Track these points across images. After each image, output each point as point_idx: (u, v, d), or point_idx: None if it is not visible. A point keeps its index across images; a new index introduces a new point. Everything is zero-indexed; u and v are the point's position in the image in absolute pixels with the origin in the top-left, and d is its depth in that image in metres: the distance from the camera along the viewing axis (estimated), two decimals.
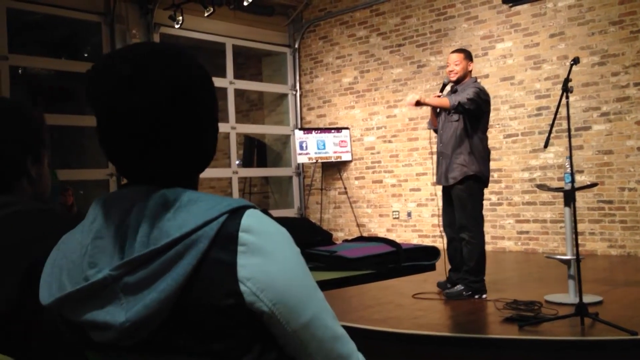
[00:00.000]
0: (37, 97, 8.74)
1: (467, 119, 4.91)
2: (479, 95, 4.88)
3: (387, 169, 9.18)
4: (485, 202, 5.22)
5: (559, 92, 4.30)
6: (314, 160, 9.49)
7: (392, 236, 8.62)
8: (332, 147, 9.46)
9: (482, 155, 4.95)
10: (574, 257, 4.23)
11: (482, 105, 4.90)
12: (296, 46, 10.21)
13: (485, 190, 5.12)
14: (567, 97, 4.12)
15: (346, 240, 2.21)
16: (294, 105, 10.26)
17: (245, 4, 8.54)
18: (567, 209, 4.53)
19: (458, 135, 4.95)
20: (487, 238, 5.79)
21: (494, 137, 7.72)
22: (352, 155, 9.55)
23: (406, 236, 8.85)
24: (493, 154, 6.16)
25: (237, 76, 9.74)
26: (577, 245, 4.07)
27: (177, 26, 8.43)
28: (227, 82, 9.43)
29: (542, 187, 5.34)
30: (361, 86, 9.47)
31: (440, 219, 5.25)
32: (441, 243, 5.25)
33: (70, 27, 8.56)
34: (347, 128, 9.58)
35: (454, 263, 5.11)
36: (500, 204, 7.96)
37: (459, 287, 4.94)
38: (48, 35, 8.75)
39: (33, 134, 1.43)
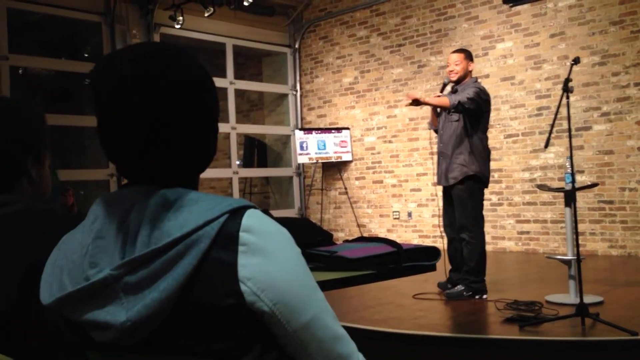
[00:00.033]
0: (37, 97, 8.73)
1: (467, 118, 4.91)
2: (479, 95, 4.88)
3: (387, 169, 9.17)
4: (485, 202, 5.21)
5: (559, 92, 4.30)
6: (315, 161, 9.49)
7: (392, 236, 8.62)
8: (332, 147, 9.45)
9: (482, 155, 4.95)
10: (575, 257, 4.22)
11: (482, 105, 4.90)
12: (296, 46, 10.21)
13: (486, 191, 5.12)
14: (568, 97, 4.12)
15: (347, 241, 2.20)
16: (295, 105, 10.27)
17: (245, 4, 8.55)
18: (567, 209, 4.53)
19: (458, 135, 4.95)
20: (488, 238, 5.79)
21: (495, 137, 7.72)
22: (352, 155, 9.55)
23: (406, 236, 8.85)
24: (493, 154, 6.16)
25: (237, 76, 9.74)
26: (577, 245, 4.07)
27: (177, 26, 8.43)
28: (228, 82, 9.43)
29: (543, 187, 5.33)
30: (361, 86, 9.47)
31: (441, 219, 5.25)
32: (441, 243, 5.24)
33: (70, 27, 8.56)
34: (347, 128, 9.58)
35: (455, 263, 5.10)
36: (500, 204, 7.95)
37: (460, 287, 4.94)
38: (48, 35, 8.76)
39: (34, 134, 1.43)
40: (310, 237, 2.11)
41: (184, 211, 0.94)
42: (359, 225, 9.40)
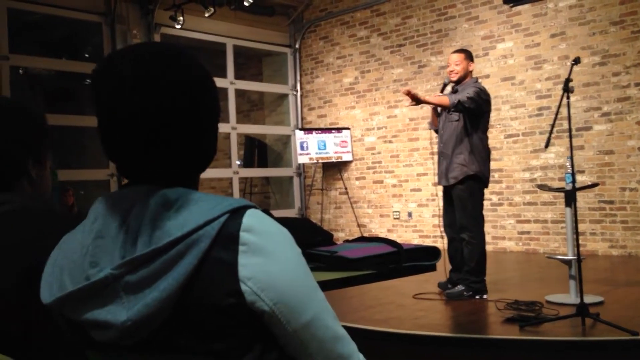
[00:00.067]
0: (37, 97, 8.74)
1: (467, 118, 4.91)
2: (480, 94, 4.88)
3: (387, 169, 9.17)
4: (486, 203, 5.21)
5: (559, 92, 4.30)
6: (315, 161, 9.49)
7: (392, 236, 8.62)
8: (332, 147, 9.45)
9: (483, 155, 4.95)
10: (575, 257, 4.22)
11: (482, 104, 4.90)
12: (297, 46, 10.21)
13: (486, 191, 5.12)
14: (568, 97, 4.12)
15: (347, 241, 2.20)
16: (295, 105, 10.27)
17: (245, 4, 8.55)
18: (568, 209, 4.53)
19: (458, 134, 4.95)
20: (488, 238, 5.79)
21: (495, 137, 7.72)
22: (352, 155, 9.55)
23: (407, 236, 8.84)
24: (494, 154, 6.16)
25: (237, 76, 9.75)
26: (578, 245, 4.07)
27: (177, 26, 8.43)
28: (228, 83, 9.43)
29: (543, 187, 5.33)
30: (362, 86, 9.47)
31: (441, 219, 5.24)
32: (442, 243, 5.24)
33: (71, 27, 8.56)
34: (347, 128, 9.58)
35: (455, 263, 5.10)
36: (501, 204, 7.95)
37: (460, 287, 4.94)
38: (49, 35, 8.76)
39: (35, 134, 1.43)
40: (311, 237, 2.11)
41: (185, 211, 0.94)
42: (359, 225, 9.40)
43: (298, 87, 10.24)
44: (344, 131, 9.54)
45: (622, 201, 7.03)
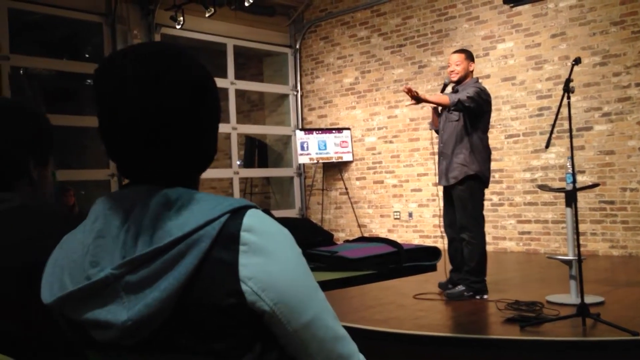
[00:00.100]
0: (37, 97, 8.74)
1: (467, 118, 4.91)
2: (480, 94, 4.88)
3: (388, 169, 9.17)
4: (486, 203, 5.21)
5: (560, 92, 4.30)
6: (315, 161, 9.49)
7: (393, 237, 8.62)
8: (333, 147, 9.46)
9: (483, 154, 4.95)
10: (576, 257, 4.22)
11: (482, 104, 4.90)
12: (297, 46, 10.22)
13: (487, 191, 5.12)
14: (569, 98, 4.12)
15: (347, 241, 2.21)
16: (295, 105, 10.27)
17: (246, 4, 8.54)
18: (568, 210, 4.52)
19: (458, 134, 4.95)
20: (489, 238, 5.79)
21: (495, 137, 7.72)
22: (353, 155, 9.55)
23: (407, 237, 8.84)
24: (494, 155, 6.16)
25: (238, 76, 9.75)
26: (578, 245, 4.07)
27: (178, 27, 8.43)
28: (228, 83, 9.44)
29: (544, 187, 5.33)
30: (362, 86, 9.47)
31: (441, 219, 5.24)
32: (442, 243, 5.24)
33: (71, 28, 8.56)
34: (348, 128, 9.58)
35: (455, 263, 5.10)
36: (501, 205, 7.95)
37: (460, 287, 4.93)
38: (49, 35, 8.76)
39: (37, 136, 1.43)
40: (311, 237, 2.11)
41: (185, 211, 0.94)
42: (359, 226, 9.40)
43: (298, 88, 10.24)
44: (344, 131, 9.54)
45: (622, 201, 7.02)
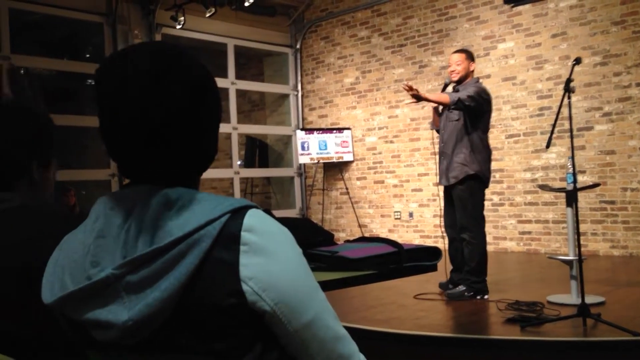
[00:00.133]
0: (37, 97, 8.74)
1: (467, 117, 4.91)
2: (480, 94, 4.88)
3: (388, 169, 9.17)
4: (487, 203, 5.21)
5: (561, 92, 4.30)
6: (316, 161, 9.49)
7: (393, 237, 8.62)
8: (333, 147, 9.46)
9: (483, 154, 4.95)
10: (576, 257, 4.22)
11: (482, 104, 4.89)
12: (298, 46, 10.22)
13: (487, 191, 5.12)
14: (569, 97, 4.12)
15: (348, 241, 2.21)
16: (296, 105, 10.27)
17: (246, 4, 8.55)
18: (569, 210, 4.52)
19: (458, 133, 4.96)
20: (489, 238, 5.78)
21: (496, 137, 7.72)
22: (353, 155, 9.55)
23: (408, 237, 8.84)
24: (495, 154, 6.16)
25: (238, 76, 9.75)
26: (579, 245, 4.06)
27: (178, 27, 8.43)
28: (229, 83, 9.44)
29: (544, 187, 5.33)
30: (363, 86, 9.47)
31: (442, 219, 5.24)
32: (443, 243, 5.24)
33: (72, 28, 8.57)
34: (348, 128, 9.58)
35: (456, 263, 5.10)
36: (502, 205, 7.95)
37: (461, 287, 4.93)
38: (50, 35, 8.76)
39: (40, 137, 1.43)
40: (312, 237, 2.11)
41: (186, 211, 0.94)
42: (360, 226, 9.40)
43: (299, 87, 10.24)
44: (345, 131, 9.54)
45: (623, 201, 7.02)
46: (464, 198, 4.93)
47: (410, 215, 8.90)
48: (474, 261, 4.87)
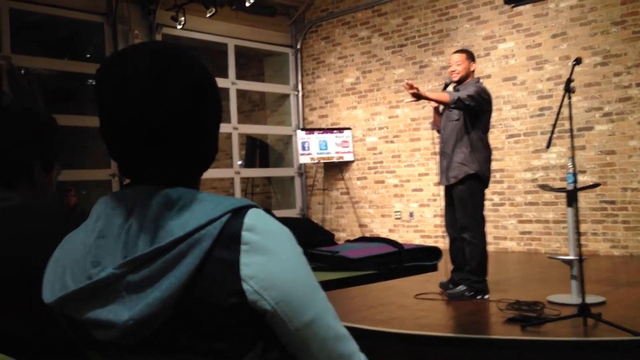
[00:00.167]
0: (36, 98, 8.74)
1: (467, 117, 4.91)
2: (480, 94, 4.88)
3: (389, 169, 9.17)
4: (487, 203, 5.21)
5: (561, 92, 4.30)
6: (316, 161, 9.49)
7: (394, 236, 8.61)
8: (334, 147, 9.46)
9: (483, 154, 4.95)
10: (577, 257, 4.22)
11: (482, 103, 4.89)
12: (298, 46, 10.22)
13: (487, 191, 5.12)
14: (570, 98, 4.12)
15: (348, 241, 2.21)
16: (296, 105, 10.27)
17: (247, 4, 8.55)
18: (569, 210, 4.52)
19: (458, 133, 4.96)
20: (490, 238, 5.78)
21: (496, 137, 7.72)
22: (354, 155, 9.55)
23: (408, 236, 8.84)
24: (495, 154, 6.15)
25: (239, 76, 9.75)
26: (579, 245, 4.07)
27: (179, 27, 8.43)
28: (229, 83, 9.44)
29: (545, 187, 5.33)
30: (363, 86, 9.47)
31: (443, 219, 5.24)
32: (443, 243, 5.24)
33: (72, 28, 8.57)
34: (349, 128, 9.58)
35: (456, 263, 5.10)
36: (502, 205, 7.95)
37: (461, 287, 4.93)
38: (50, 35, 8.77)
39: (43, 139, 1.44)
40: (312, 237, 2.11)
41: (187, 210, 0.94)
42: (360, 226, 9.40)
43: (299, 87, 10.24)
44: (345, 131, 9.54)
45: (623, 201, 7.02)
46: (464, 198, 4.93)
47: (411, 215, 8.90)
48: (475, 261, 4.87)
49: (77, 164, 8.28)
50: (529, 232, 7.75)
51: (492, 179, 5.13)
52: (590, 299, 4.05)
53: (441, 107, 5.16)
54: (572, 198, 4.43)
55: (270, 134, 10.62)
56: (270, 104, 10.75)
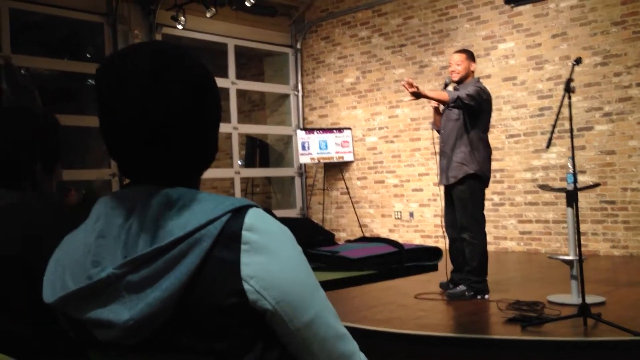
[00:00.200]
0: (35, 99, 8.74)
1: (466, 116, 4.91)
2: (480, 93, 4.88)
3: (389, 169, 9.17)
4: (487, 203, 5.21)
5: (561, 92, 4.30)
6: (316, 161, 9.49)
7: (394, 236, 8.62)
8: (334, 147, 9.45)
9: (483, 154, 4.95)
10: (577, 257, 4.22)
11: (481, 103, 4.89)
12: (298, 46, 10.22)
13: (487, 191, 5.12)
14: (570, 98, 4.12)
15: (349, 241, 2.21)
16: (296, 105, 10.27)
17: (247, 4, 8.54)
18: (569, 210, 4.52)
19: (457, 132, 4.96)
20: (490, 238, 5.78)
21: (496, 137, 7.72)
22: (354, 155, 9.55)
23: (408, 236, 8.84)
24: (495, 154, 6.15)
25: (239, 76, 9.75)
26: (579, 245, 4.06)
27: (179, 27, 8.43)
28: (229, 83, 9.44)
29: (545, 187, 5.33)
30: (363, 86, 9.47)
31: (443, 219, 5.24)
32: (443, 243, 5.24)
33: (72, 28, 8.57)
34: (349, 128, 9.58)
35: (456, 263, 5.10)
36: (502, 205, 7.95)
37: (461, 287, 4.93)
38: (50, 35, 8.76)
39: (44, 140, 1.44)
40: (312, 237, 2.12)
41: (187, 210, 0.94)
42: (360, 226, 9.40)
43: (299, 87, 10.24)
44: (345, 131, 9.54)
45: (623, 201, 7.02)
46: (464, 198, 4.93)
47: (411, 215, 8.90)
48: (475, 261, 4.87)
49: (77, 163, 8.28)
50: (529, 232, 7.75)
51: (492, 179, 5.13)
52: (590, 299, 4.05)
53: (441, 107, 5.16)
54: (572, 198, 4.43)
55: (270, 134, 10.62)
56: (270, 103, 10.75)
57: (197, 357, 0.93)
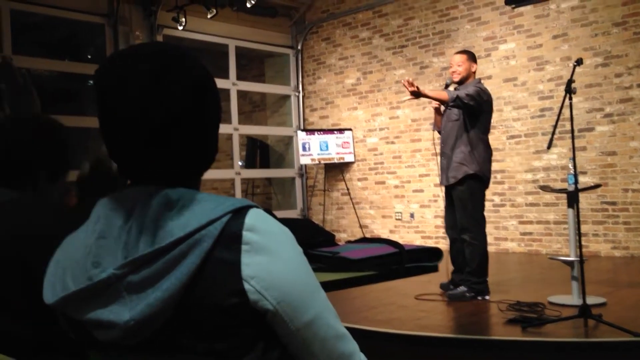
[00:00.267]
0: (35, 100, 8.74)
1: (466, 116, 4.91)
2: (480, 94, 4.88)
3: (389, 170, 9.17)
4: (488, 203, 5.21)
5: (562, 93, 4.30)
6: (317, 162, 9.49)
7: (394, 237, 8.61)
8: (334, 148, 9.45)
9: (483, 154, 4.95)
10: (578, 258, 4.22)
11: (481, 103, 4.89)
12: (299, 47, 10.22)
13: (488, 192, 5.11)
14: (571, 98, 4.12)
15: (349, 242, 2.21)
16: (297, 106, 10.27)
17: (248, 5, 8.55)
18: (570, 210, 4.52)
19: (457, 132, 4.96)
20: (490, 239, 5.78)
21: (497, 138, 7.72)
22: (354, 156, 9.55)
23: (409, 237, 8.84)
24: (496, 155, 6.15)
25: (239, 77, 9.75)
26: (580, 246, 4.06)
27: (180, 28, 8.43)
28: (230, 84, 9.44)
29: (546, 188, 5.33)
30: (364, 87, 9.47)
31: (443, 220, 5.24)
32: (444, 244, 5.24)
33: (73, 29, 8.57)
34: (349, 129, 9.58)
35: (457, 264, 5.10)
36: (503, 205, 7.95)
37: (462, 288, 4.93)
38: (51, 36, 8.77)
39: (54, 152, 1.44)
40: (313, 238, 2.12)
41: (187, 211, 0.94)
42: (361, 226, 9.40)
43: (300, 88, 10.24)
44: (346, 132, 9.54)
45: (624, 202, 7.02)
46: (464, 198, 4.92)
47: (412, 216, 8.90)
48: (475, 262, 4.87)
49: (77, 164, 8.28)
50: (530, 233, 7.75)
51: (492, 179, 5.13)
52: (591, 300, 4.05)
53: (442, 108, 5.16)
54: (573, 199, 4.43)
55: (270, 135, 10.62)
56: (270, 104, 10.75)
57: (198, 357, 0.93)
